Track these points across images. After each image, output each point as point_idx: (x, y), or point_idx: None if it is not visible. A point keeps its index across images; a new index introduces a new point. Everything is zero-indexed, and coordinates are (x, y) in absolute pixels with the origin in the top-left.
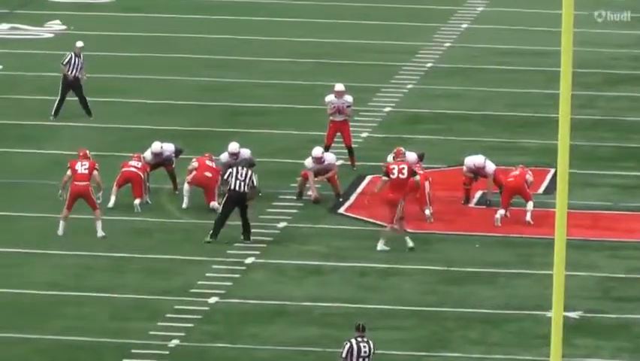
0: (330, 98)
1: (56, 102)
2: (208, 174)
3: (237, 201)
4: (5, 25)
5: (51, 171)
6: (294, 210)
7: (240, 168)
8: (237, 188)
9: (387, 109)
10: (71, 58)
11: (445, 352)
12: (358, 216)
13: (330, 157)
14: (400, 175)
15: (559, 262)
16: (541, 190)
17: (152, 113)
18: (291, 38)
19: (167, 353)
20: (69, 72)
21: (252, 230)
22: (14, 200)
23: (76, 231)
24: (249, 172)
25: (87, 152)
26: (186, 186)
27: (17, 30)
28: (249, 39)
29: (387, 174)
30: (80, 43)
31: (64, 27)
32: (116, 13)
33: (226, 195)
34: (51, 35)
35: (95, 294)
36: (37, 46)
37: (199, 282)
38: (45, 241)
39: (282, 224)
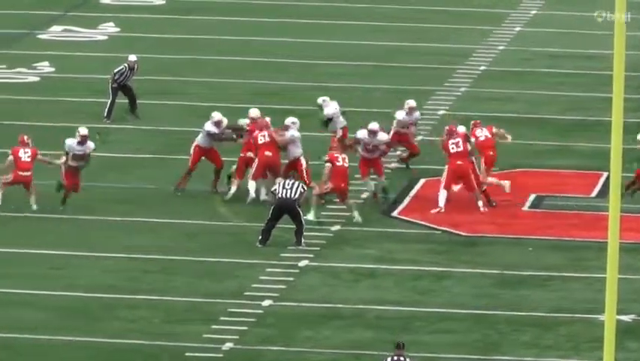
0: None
1: (108, 105)
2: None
3: (285, 209)
4: (58, 28)
5: (102, 173)
6: (348, 213)
7: (288, 179)
8: (285, 195)
9: (441, 112)
10: (125, 71)
11: (498, 355)
12: (412, 220)
13: (382, 136)
14: (457, 148)
15: (612, 265)
16: (594, 194)
17: (201, 115)
18: (345, 41)
19: (221, 356)
20: (118, 80)
21: (306, 233)
22: (68, 202)
23: (130, 233)
24: (297, 183)
25: (25, 138)
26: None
27: (70, 32)
28: (302, 42)
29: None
30: (133, 57)
31: (117, 29)
32: (168, 15)
33: (274, 203)
34: (104, 38)
35: (148, 297)
36: (90, 48)
37: (253, 285)
38: (98, 244)
39: (335, 227)
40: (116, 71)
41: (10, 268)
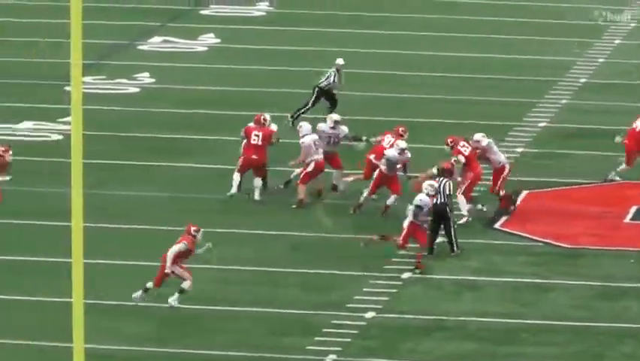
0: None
1: (303, 109)
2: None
3: (438, 215)
4: (157, 39)
5: (206, 184)
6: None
7: (437, 179)
8: (436, 201)
9: (542, 124)
10: (334, 75)
11: None
12: (514, 232)
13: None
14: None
15: None
16: None
17: None
18: (445, 53)
19: None
20: (324, 85)
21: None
22: (170, 213)
23: (235, 244)
24: (444, 181)
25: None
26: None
27: (169, 43)
28: (401, 53)
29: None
30: (340, 61)
31: (217, 40)
32: (268, 26)
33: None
34: (204, 49)
35: (251, 309)
36: (189, 59)
37: (356, 297)
38: (201, 255)
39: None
40: (325, 77)
41: (116, 279)
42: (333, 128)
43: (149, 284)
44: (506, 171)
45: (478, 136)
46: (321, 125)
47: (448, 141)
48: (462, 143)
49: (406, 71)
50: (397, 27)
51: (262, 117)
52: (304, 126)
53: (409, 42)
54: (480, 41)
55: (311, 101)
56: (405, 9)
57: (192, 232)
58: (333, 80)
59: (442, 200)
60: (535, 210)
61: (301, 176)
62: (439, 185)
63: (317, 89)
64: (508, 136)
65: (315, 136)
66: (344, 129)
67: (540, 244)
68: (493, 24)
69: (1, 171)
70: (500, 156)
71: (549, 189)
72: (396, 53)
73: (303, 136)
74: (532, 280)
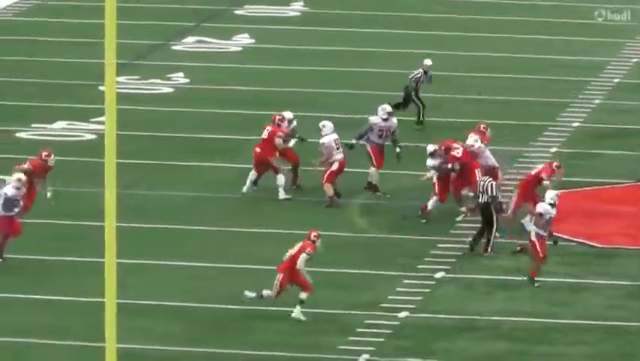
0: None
1: (418, 111)
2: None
3: (483, 214)
4: (191, 39)
5: (234, 184)
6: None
7: (482, 182)
8: (480, 200)
9: (576, 124)
10: (420, 75)
11: None
12: None
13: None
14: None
15: None
16: None
17: (338, 127)
18: (478, 53)
19: None
20: (416, 88)
21: (441, 245)
22: (203, 213)
23: (266, 244)
24: (487, 181)
25: None
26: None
27: (203, 43)
28: (443, 54)
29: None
30: (428, 62)
31: (252, 40)
32: (302, 26)
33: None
34: (238, 49)
35: (286, 309)
36: (224, 59)
37: (389, 296)
38: (235, 256)
39: (471, 238)
40: (411, 77)
41: (148, 278)
42: (385, 120)
43: (266, 292)
44: (499, 176)
45: (470, 140)
46: (372, 119)
47: (442, 148)
48: (455, 145)
49: (440, 71)
50: (432, 28)
51: (277, 117)
52: (327, 125)
53: (443, 43)
54: (513, 42)
55: (420, 104)
56: (438, 9)
57: (312, 237)
58: (421, 81)
59: (486, 200)
60: (569, 210)
61: (326, 175)
62: (483, 185)
63: (412, 93)
64: (541, 136)
65: (334, 136)
66: (395, 122)
67: (573, 243)
68: (526, 24)
69: (43, 175)
70: (492, 160)
71: (582, 189)
72: (430, 53)
73: (323, 136)
74: (565, 280)
